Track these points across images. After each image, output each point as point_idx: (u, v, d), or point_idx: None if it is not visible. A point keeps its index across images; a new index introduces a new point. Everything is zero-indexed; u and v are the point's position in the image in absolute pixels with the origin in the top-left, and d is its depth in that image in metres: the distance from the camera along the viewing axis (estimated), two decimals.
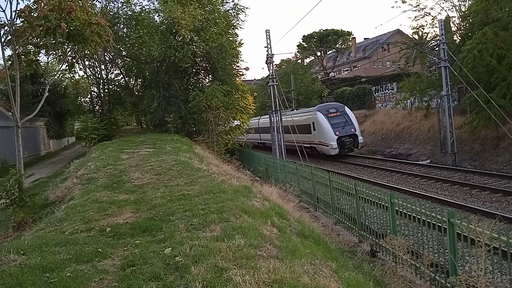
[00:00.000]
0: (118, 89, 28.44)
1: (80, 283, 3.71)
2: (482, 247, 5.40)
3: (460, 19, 26.91)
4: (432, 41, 27.57)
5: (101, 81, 27.13)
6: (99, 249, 4.54)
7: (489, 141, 21.49)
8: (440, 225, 6.42)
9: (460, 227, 6.02)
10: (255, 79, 53.95)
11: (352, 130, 26.91)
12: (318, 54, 57.62)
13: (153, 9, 24.94)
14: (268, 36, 25.05)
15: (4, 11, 10.40)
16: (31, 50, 11.81)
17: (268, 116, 27.36)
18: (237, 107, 23.91)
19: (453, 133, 22.00)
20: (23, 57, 11.28)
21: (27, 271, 3.91)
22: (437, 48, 23.83)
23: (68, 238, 5.02)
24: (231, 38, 24.63)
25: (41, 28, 10.31)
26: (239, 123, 25.76)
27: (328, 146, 26.27)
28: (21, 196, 8.74)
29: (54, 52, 12.57)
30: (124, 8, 25.26)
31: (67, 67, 13.75)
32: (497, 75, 19.76)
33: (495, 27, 20.14)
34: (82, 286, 3.68)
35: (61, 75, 27.81)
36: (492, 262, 5.94)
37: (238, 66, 25.64)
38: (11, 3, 10.25)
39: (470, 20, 23.76)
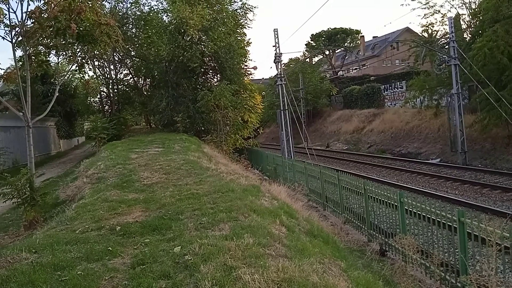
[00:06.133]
0: (127, 89, 28.63)
1: (90, 281, 3.74)
2: (493, 246, 5.35)
3: (470, 17, 26.67)
4: (442, 39, 27.37)
5: (111, 81, 27.34)
6: (110, 248, 4.57)
7: (500, 139, 21.24)
8: (451, 224, 6.38)
9: (471, 226, 5.97)
10: (263, 78, 53.94)
11: None
12: (327, 52, 57.22)
13: (162, 9, 25.15)
14: (276, 35, 24.99)
15: (15, 12, 10.54)
16: (42, 51, 11.98)
17: None
18: (245, 106, 23.88)
19: (463, 131, 21.77)
20: (33, 57, 11.44)
21: (39, 269, 3.96)
22: (447, 46, 23.62)
23: (79, 236, 5.06)
24: (239, 38, 24.67)
25: (51, 29, 10.43)
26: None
27: None
28: (32, 195, 8.82)
29: (64, 53, 12.69)
30: (133, 9, 25.48)
31: (77, 68, 13.96)
32: (508, 72, 19.50)
33: (506, 24, 19.87)
34: (92, 284, 3.71)
35: (71, 75, 28.07)
36: (503, 262, 5.87)
37: (246, 66, 25.72)
38: (22, 4, 10.39)
39: (481, 18, 23.48)
